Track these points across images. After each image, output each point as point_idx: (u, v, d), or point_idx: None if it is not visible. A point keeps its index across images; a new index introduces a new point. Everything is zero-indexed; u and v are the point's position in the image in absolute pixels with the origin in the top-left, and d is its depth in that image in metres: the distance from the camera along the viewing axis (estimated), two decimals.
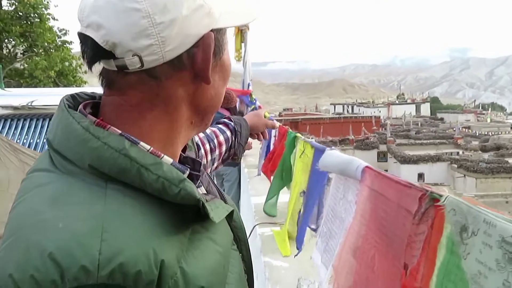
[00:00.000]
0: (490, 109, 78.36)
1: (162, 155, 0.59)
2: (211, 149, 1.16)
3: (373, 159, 30.31)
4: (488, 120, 52.78)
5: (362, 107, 72.88)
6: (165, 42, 0.56)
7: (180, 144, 0.67)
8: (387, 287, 0.73)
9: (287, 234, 2.00)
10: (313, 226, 1.58)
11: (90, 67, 0.59)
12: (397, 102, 77.75)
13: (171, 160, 0.60)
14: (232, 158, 1.26)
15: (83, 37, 0.57)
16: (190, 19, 0.57)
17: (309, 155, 1.65)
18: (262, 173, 3.06)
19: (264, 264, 1.83)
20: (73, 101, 0.63)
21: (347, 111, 73.03)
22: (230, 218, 0.71)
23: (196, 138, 1.12)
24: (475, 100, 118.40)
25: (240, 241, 0.75)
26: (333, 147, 1.28)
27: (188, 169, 0.62)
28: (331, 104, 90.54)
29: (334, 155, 1.15)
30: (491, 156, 26.38)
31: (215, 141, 1.18)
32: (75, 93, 0.65)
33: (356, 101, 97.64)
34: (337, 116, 50.41)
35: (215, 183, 0.82)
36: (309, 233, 1.60)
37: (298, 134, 1.98)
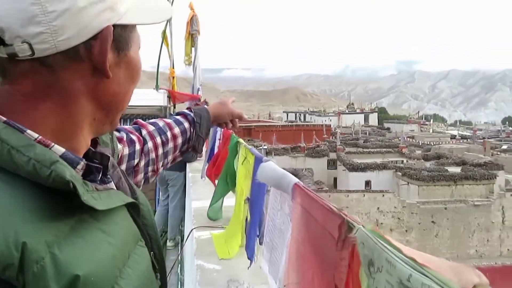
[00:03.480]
0: (432, 120, 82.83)
1: (52, 144, 0.57)
2: (162, 142, 1.13)
3: (323, 166, 31.05)
4: (431, 130, 55.79)
5: (313, 115, 74.59)
6: (58, 31, 0.55)
7: (83, 141, 0.65)
8: None
9: (239, 240, 1.98)
10: (258, 233, 1.59)
11: None
12: (347, 111, 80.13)
13: (62, 150, 0.58)
14: (193, 150, 1.23)
15: None
16: (88, 11, 0.57)
17: (251, 162, 1.65)
18: (206, 177, 3.00)
19: (197, 267, 1.83)
20: None
21: (299, 119, 74.48)
22: (138, 214, 0.70)
23: (144, 132, 1.10)
24: (419, 112, 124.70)
25: (152, 239, 0.74)
26: (269, 158, 1.28)
27: (83, 160, 0.60)
28: (284, 112, 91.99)
29: (269, 168, 1.15)
30: (432, 165, 27.69)
31: (169, 133, 1.15)
32: None
33: (308, 109, 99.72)
34: (290, 124, 51.25)
35: (129, 180, 0.81)
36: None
37: (240, 140, 1.97)
